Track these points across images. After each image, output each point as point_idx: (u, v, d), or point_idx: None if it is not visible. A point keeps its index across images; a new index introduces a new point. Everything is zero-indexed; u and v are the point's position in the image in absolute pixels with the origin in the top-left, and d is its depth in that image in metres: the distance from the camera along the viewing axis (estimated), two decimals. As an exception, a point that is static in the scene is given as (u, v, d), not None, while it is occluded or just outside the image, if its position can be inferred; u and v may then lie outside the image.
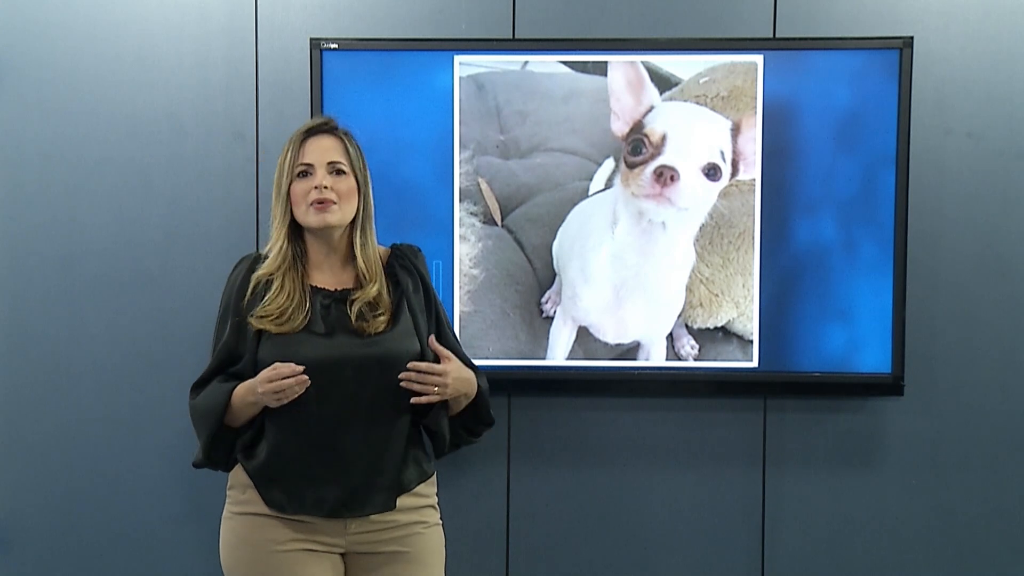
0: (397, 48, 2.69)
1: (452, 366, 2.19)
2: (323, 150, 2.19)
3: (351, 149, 2.22)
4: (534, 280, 2.71)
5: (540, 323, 2.72)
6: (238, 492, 2.19)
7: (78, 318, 2.78)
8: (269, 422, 2.15)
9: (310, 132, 2.22)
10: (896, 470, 2.79)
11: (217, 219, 2.77)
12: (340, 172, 2.19)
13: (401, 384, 2.13)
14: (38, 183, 2.77)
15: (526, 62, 2.69)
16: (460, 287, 2.71)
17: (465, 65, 2.68)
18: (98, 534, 2.81)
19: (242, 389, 2.14)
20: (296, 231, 2.21)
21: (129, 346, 2.78)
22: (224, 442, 2.19)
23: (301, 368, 2.08)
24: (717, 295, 2.70)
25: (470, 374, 2.26)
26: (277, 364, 2.08)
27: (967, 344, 2.77)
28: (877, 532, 2.80)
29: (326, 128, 2.23)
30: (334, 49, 2.68)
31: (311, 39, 2.68)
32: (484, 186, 2.70)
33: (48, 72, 2.77)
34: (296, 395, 2.08)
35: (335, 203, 2.16)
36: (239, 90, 2.77)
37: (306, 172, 2.18)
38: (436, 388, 2.15)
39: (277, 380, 2.07)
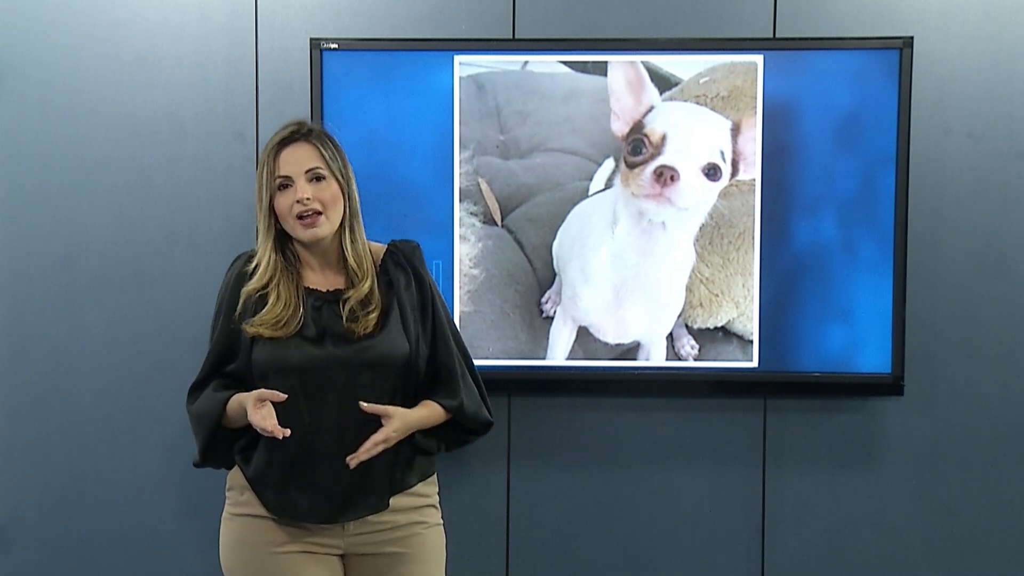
0: (397, 48, 2.69)
1: (393, 424, 2.11)
2: (299, 159, 2.15)
3: (327, 152, 2.16)
4: (534, 280, 2.71)
5: (540, 323, 2.72)
6: (237, 493, 2.19)
7: (78, 318, 2.78)
8: None
9: (284, 142, 2.16)
10: (896, 470, 2.79)
11: (217, 219, 2.77)
12: (320, 179, 2.15)
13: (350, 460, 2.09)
14: (38, 183, 2.77)
15: (526, 62, 2.69)
16: (460, 287, 2.70)
17: (465, 65, 2.68)
18: (98, 534, 2.81)
19: (234, 402, 2.12)
20: (284, 239, 2.19)
21: (129, 346, 2.78)
22: (223, 444, 2.19)
23: (284, 397, 2.04)
24: (717, 295, 2.70)
25: (425, 412, 2.18)
26: (263, 392, 2.04)
27: (967, 344, 2.77)
28: (877, 532, 2.80)
29: (298, 135, 2.17)
30: (334, 49, 2.68)
31: (311, 39, 2.68)
32: (484, 186, 2.70)
33: (48, 72, 2.77)
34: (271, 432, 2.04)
35: (321, 213, 2.13)
36: (239, 90, 2.77)
37: (286, 184, 2.14)
38: (383, 446, 2.11)
39: (260, 422, 2.02)
